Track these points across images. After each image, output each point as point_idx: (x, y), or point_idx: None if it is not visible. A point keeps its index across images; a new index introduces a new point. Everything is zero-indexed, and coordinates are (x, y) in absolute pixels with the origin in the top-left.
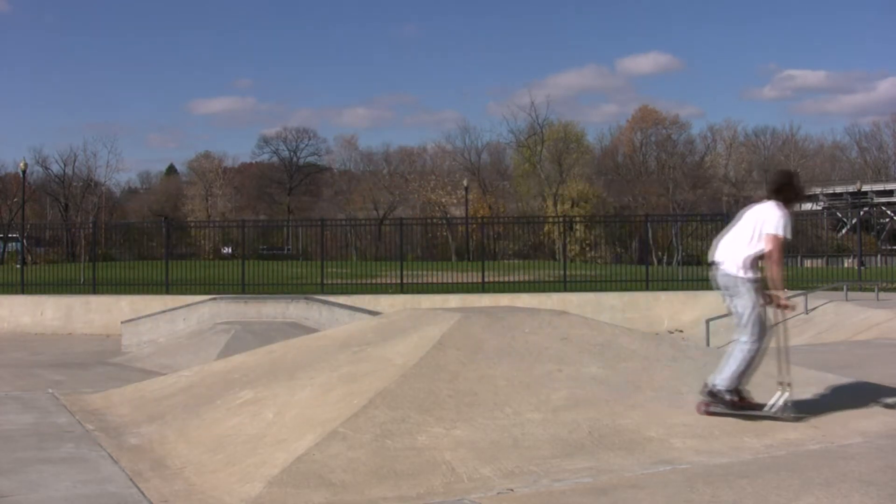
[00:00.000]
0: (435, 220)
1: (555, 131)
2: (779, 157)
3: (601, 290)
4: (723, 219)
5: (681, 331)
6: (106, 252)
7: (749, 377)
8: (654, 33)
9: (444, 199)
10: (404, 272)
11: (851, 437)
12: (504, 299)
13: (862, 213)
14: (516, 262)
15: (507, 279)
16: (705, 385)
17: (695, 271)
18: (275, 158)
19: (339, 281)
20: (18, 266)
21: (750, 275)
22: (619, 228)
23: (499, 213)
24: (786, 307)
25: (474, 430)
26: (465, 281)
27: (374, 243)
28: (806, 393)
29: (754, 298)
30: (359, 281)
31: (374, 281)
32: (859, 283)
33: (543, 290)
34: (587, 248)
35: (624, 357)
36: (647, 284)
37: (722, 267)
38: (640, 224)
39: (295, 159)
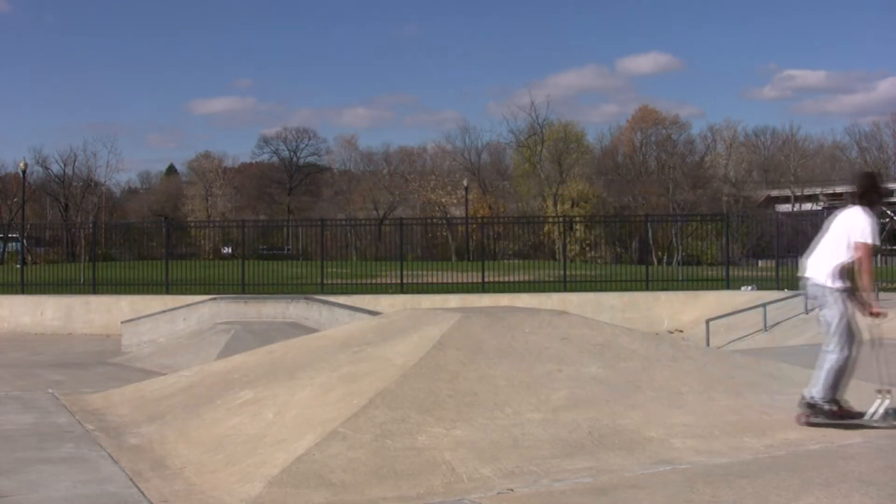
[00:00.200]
0: (435, 220)
1: (555, 131)
2: (779, 157)
3: (601, 290)
4: (723, 219)
5: (681, 331)
6: (106, 252)
7: (845, 386)
8: (654, 33)
9: (444, 199)
10: (404, 272)
11: (851, 437)
12: (504, 299)
13: None
14: (516, 262)
15: (507, 279)
16: (802, 397)
17: (695, 271)
18: (275, 158)
19: (339, 281)
20: (18, 266)
21: (838, 284)
22: (619, 228)
23: (499, 213)
24: (878, 314)
25: (474, 430)
26: (465, 281)
27: (374, 243)
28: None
29: (842, 308)
30: (359, 281)
31: (374, 281)
32: None
33: (543, 290)
34: (587, 248)
35: (624, 357)
36: (647, 284)
37: (811, 278)
38: (640, 224)
39: (295, 159)
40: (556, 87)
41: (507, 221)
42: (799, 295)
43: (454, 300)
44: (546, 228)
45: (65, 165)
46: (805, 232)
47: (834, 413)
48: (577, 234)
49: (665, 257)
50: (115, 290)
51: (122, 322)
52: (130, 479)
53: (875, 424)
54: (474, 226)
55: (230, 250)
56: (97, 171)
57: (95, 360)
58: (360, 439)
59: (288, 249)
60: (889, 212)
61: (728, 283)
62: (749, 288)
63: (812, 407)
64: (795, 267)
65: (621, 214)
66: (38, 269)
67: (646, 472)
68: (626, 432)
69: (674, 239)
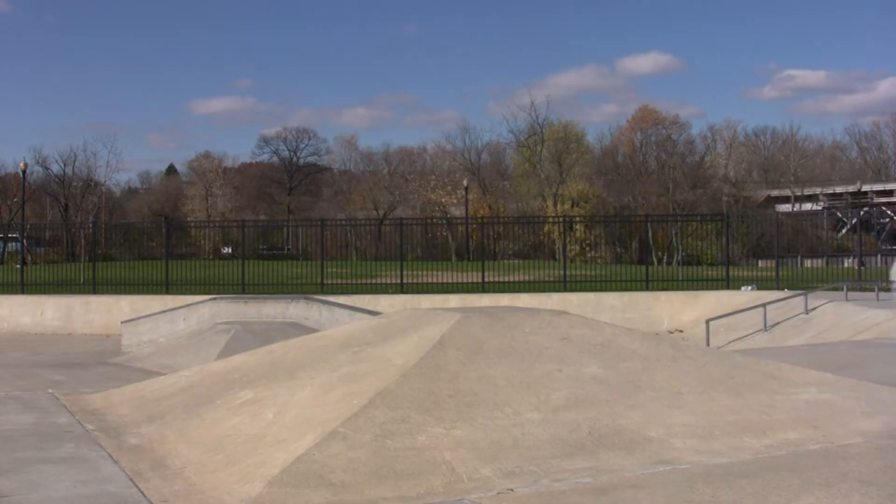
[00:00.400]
0: (435, 220)
1: (555, 131)
2: (779, 157)
3: (601, 290)
4: (723, 219)
5: (681, 331)
6: (106, 252)
7: None
8: (654, 33)
9: (444, 199)
10: (404, 272)
11: (851, 437)
12: (504, 299)
13: (862, 213)
14: (516, 262)
15: (507, 279)
16: None
17: (695, 271)
18: (275, 158)
19: (339, 281)
20: (18, 266)
21: None
22: (619, 228)
23: (499, 213)
24: None
25: (474, 430)
26: (465, 281)
27: (374, 243)
28: (806, 393)
29: None
30: (359, 281)
31: (374, 281)
32: (859, 283)
33: (543, 290)
34: (587, 248)
35: (624, 357)
36: (647, 284)
37: None
38: (640, 224)
39: (295, 159)
40: (556, 87)
41: (507, 221)
42: (799, 295)
43: (454, 300)
44: (546, 228)
45: (65, 165)
46: (805, 232)
47: None
48: (577, 234)
49: (665, 257)
50: (115, 290)
51: (122, 322)
52: (130, 479)
53: None
54: (474, 226)
55: (230, 250)
56: (97, 171)
57: (95, 360)
58: (360, 439)
59: (288, 249)
60: (889, 212)
61: (728, 283)
62: (749, 288)
63: None
64: (795, 267)
65: (621, 214)
66: (38, 269)
67: (646, 472)
68: (626, 432)
69: (674, 239)
